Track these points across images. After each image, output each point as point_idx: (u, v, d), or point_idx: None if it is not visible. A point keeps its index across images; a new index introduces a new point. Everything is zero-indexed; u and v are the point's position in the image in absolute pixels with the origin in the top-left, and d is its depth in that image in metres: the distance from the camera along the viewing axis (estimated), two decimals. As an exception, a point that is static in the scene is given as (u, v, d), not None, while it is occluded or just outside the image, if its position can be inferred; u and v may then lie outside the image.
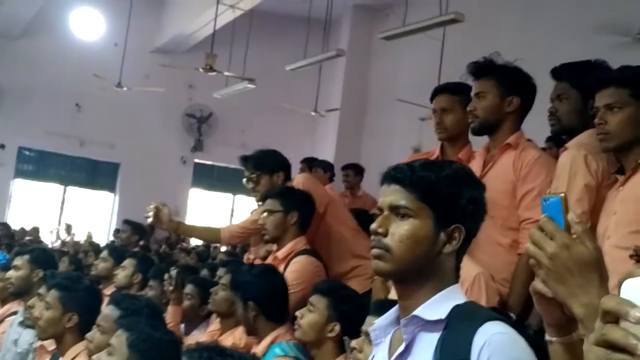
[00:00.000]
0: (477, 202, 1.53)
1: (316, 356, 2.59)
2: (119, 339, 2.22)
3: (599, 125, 2.42)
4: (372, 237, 1.51)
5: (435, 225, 1.48)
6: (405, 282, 1.50)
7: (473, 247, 2.76)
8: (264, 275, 2.95)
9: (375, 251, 1.49)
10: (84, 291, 3.17)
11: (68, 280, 3.26)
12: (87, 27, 13.77)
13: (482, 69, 2.97)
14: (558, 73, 2.84)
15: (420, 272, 1.49)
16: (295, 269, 3.27)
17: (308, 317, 2.59)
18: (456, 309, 1.44)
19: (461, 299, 1.49)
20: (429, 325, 1.45)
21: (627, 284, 0.83)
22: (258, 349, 2.79)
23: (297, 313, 2.62)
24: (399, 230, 1.47)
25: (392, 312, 1.56)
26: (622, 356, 0.82)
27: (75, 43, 13.45)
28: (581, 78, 2.67)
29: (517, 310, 2.59)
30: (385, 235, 1.48)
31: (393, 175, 1.52)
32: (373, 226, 1.50)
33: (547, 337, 1.20)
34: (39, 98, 12.96)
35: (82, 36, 13.70)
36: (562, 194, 1.12)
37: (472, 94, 3.00)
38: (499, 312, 1.80)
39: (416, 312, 1.45)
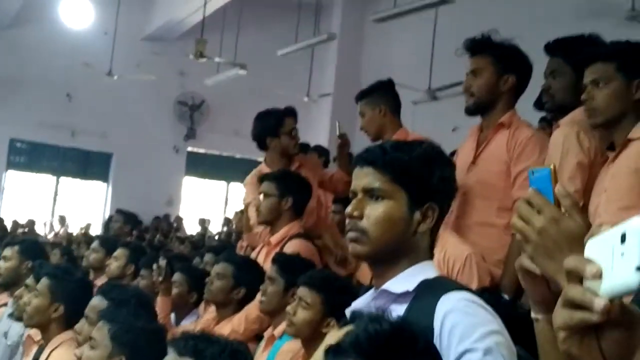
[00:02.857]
0: (448, 180, 1.56)
1: (309, 348, 2.52)
2: (101, 331, 2.16)
3: (586, 102, 2.38)
4: (347, 220, 1.52)
5: (409, 205, 1.49)
6: (381, 262, 1.52)
7: (467, 230, 2.76)
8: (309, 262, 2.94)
9: (351, 234, 1.50)
10: (75, 283, 3.13)
11: (61, 270, 3.23)
12: (76, 15, 13.61)
13: (479, 45, 2.89)
14: (551, 48, 2.77)
15: (396, 252, 1.50)
16: (292, 253, 3.22)
17: (302, 315, 2.45)
18: (424, 283, 1.46)
19: (432, 274, 1.51)
20: (399, 299, 1.47)
21: (589, 244, 0.85)
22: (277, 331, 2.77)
23: (288, 309, 2.52)
24: (374, 213, 1.48)
25: (369, 294, 1.57)
26: (582, 314, 0.81)
27: (64, 32, 13.32)
28: (575, 53, 2.61)
29: (510, 292, 2.54)
30: (360, 218, 1.49)
31: (365, 158, 1.52)
32: (348, 210, 1.51)
33: (533, 315, 1.17)
34: (29, 89, 12.86)
35: (71, 25, 13.56)
36: (551, 166, 1.08)
37: (467, 71, 2.93)
38: (490, 291, 1.78)
39: (385, 286, 1.48)
